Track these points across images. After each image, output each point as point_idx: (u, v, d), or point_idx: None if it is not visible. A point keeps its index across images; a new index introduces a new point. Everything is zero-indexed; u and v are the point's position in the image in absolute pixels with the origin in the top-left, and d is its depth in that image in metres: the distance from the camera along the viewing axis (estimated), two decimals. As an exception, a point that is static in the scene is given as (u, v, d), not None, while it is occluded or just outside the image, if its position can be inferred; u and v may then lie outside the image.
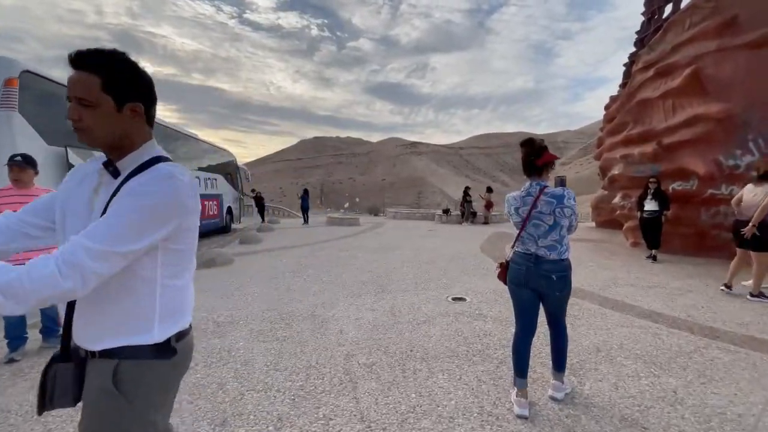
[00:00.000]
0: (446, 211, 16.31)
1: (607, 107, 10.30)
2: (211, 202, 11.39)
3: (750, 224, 4.74)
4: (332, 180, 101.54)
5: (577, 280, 5.66)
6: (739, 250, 5.10)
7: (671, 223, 7.29)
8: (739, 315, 4.25)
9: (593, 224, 13.71)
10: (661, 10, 8.88)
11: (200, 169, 11.20)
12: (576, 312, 4.35)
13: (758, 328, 3.86)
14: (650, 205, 7.29)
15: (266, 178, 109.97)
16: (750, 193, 4.94)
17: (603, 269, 6.63)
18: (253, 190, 17.93)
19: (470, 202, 15.13)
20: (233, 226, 14.07)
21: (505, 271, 2.59)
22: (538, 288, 2.44)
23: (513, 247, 2.57)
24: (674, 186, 7.44)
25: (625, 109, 8.63)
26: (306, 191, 17.25)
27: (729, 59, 6.79)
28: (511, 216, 2.57)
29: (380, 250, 8.61)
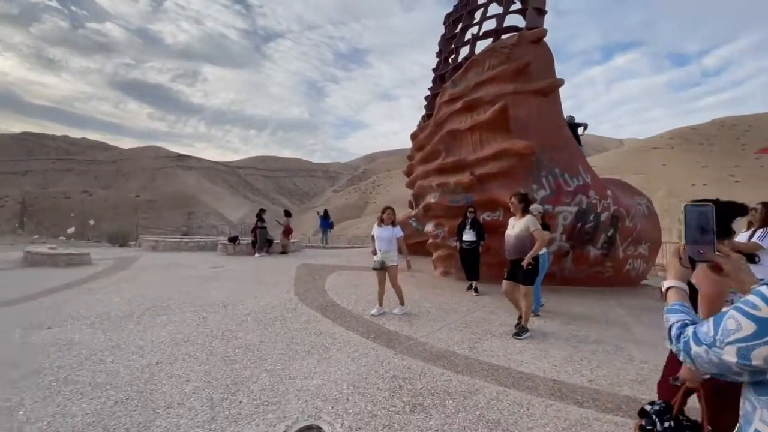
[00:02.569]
0: (233, 240, 12.96)
1: (414, 135, 10.31)
2: None
3: (527, 258, 4.57)
4: (51, 192, 72.73)
5: (441, 339, 4.38)
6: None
7: (482, 252, 7.29)
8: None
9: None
10: (458, 50, 9.47)
11: None
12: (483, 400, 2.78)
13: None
14: (468, 235, 7.10)
15: None
16: (510, 227, 4.93)
17: (446, 312, 5.69)
18: None
19: (265, 228, 12.48)
20: None
21: None
22: None
23: None
24: (484, 216, 7.54)
25: (436, 138, 8.52)
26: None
27: (524, 102, 7.47)
28: None
29: (122, 322, 4.93)
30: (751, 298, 0.77)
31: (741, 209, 1.53)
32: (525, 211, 4.78)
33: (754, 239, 4.19)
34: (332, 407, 2.87)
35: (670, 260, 1.11)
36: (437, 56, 10.82)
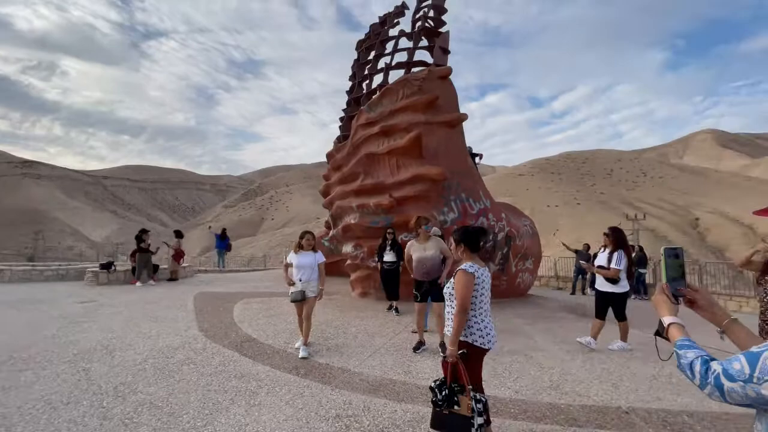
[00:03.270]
0: (107, 266, 10.83)
1: (330, 155, 10.21)
2: None
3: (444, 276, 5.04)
4: None
5: (375, 366, 4.33)
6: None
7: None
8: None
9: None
10: (372, 77, 9.83)
11: None
12: None
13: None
14: (389, 256, 7.27)
15: None
16: (416, 252, 5.24)
17: (372, 337, 5.65)
18: None
19: (149, 251, 10.77)
20: None
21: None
22: None
23: None
24: (401, 237, 7.82)
25: (354, 159, 8.61)
26: None
27: (434, 132, 8.08)
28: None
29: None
30: None
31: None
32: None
33: (612, 264, 5.17)
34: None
35: (658, 297, 1.29)
36: (351, 80, 11.05)
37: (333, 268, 10.17)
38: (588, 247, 13.04)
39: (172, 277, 11.39)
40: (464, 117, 8.50)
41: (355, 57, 11.11)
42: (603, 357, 4.97)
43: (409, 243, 5.56)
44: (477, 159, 10.70)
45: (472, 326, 2.70)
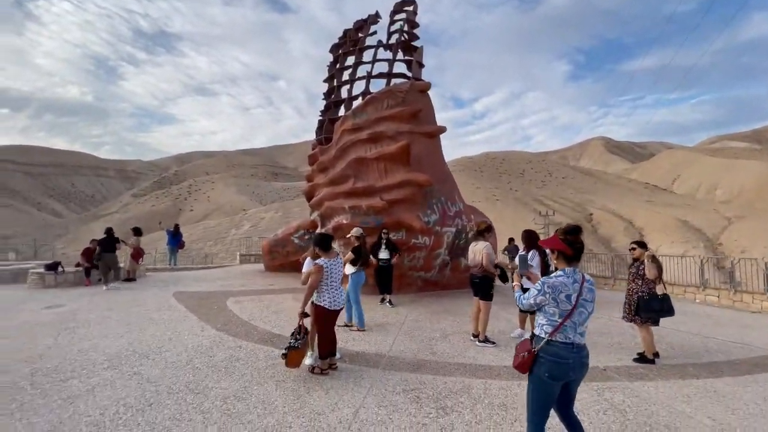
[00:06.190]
0: (53, 267, 9.78)
1: (313, 156, 10.47)
2: None
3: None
4: None
5: (403, 350, 5.01)
6: (474, 299, 5.85)
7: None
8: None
9: (263, 268, 13.20)
10: (353, 83, 10.34)
11: None
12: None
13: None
14: (384, 254, 8.01)
15: None
16: (471, 253, 5.83)
17: (383, 327, 6.37)
18: None
19: (111, 251, 9.98)
20: None
21: (530, 362, 2.49)
22: (574, 378, 2.50)
23: (544, 334, 2.48)
24: (390, 236, 8.61)
25: (343, 163, 9.11)
26: None
27: (418, 141, 8.94)
28: (557, 303, 2.44)
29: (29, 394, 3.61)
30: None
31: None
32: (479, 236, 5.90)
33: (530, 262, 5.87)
34: (385, 428, 3.24)
35: (515, 276, 3.24)
36: (326, 82, 11.36)
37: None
38: (511, 240, 13.30)
39: (129, 278, 10.68)
40: (443, 129, 9.51)
41: (331, 60, 11.44)
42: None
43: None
44: None
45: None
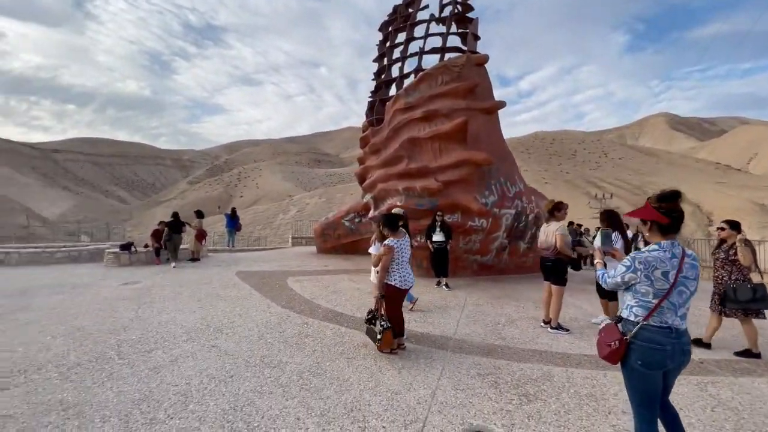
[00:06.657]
0: (127, 247, 10.61)
1: (364, 138, 10.38)
2: None
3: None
4: None
5: (469, 333, 4.85)
6: (545, 284, 5.48)
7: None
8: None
9: (314, 250, 13.51)
10: (404, 61, 10.01)
11: None
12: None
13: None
14: (438, 236, 7.79)
15: None
16: (543, 234, 5.45)
17: (444, 310, 6.20)
18: None
19: (178, 233, 10.62)
20: None
21: (622, 351, 2.20)
22: (674, 367, 2.20)
23: (636, 319, 2.20)
24: (445, 218, 8.35)
25: (396, 144, 8.90)
26: None
27: (475, 118, 8.50)
28: (651, 281, 2.14)
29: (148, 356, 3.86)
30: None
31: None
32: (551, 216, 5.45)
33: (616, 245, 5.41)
34: (467, 412, 3.09)
35: (596, 253, 3.01)
36: (376, 61, 11.11)
37: (354, 246, 10.68)
38: (571, 223, 12.89)
39: (194, 257, 11.35)
40: (502, 104, 8.97)
41: (380, 39, 11.14)
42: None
43: None
44: None
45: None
